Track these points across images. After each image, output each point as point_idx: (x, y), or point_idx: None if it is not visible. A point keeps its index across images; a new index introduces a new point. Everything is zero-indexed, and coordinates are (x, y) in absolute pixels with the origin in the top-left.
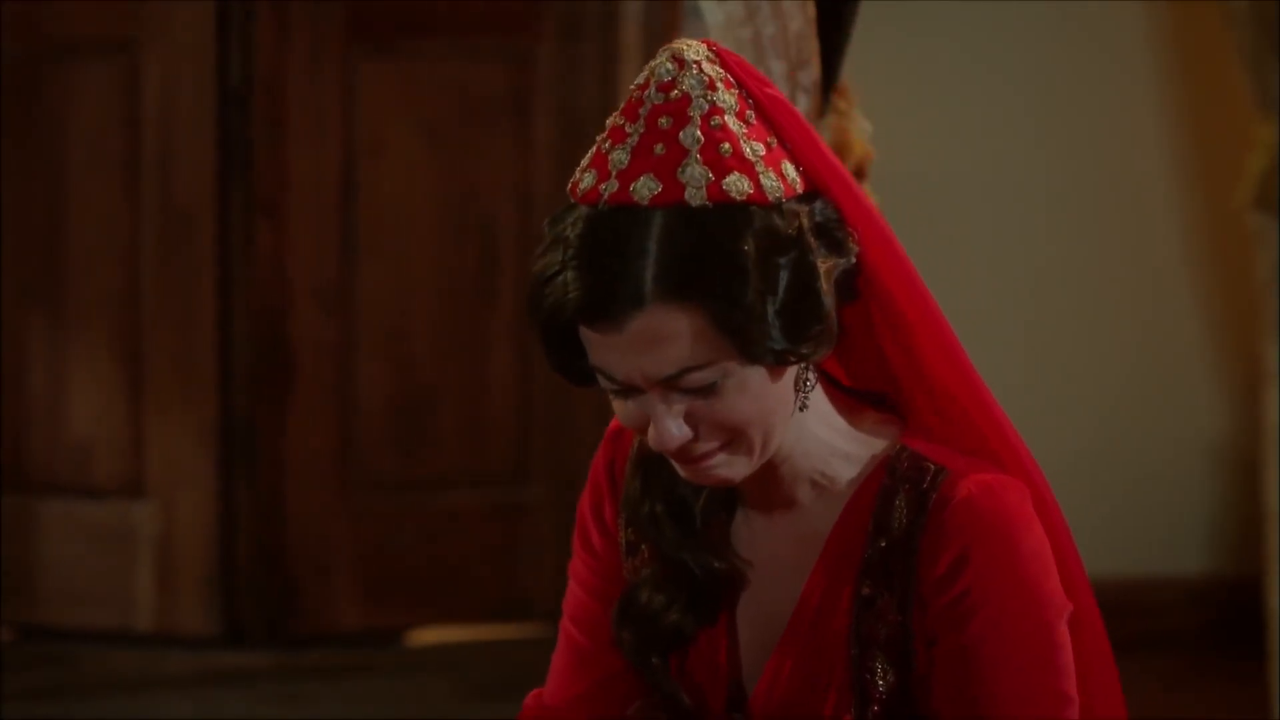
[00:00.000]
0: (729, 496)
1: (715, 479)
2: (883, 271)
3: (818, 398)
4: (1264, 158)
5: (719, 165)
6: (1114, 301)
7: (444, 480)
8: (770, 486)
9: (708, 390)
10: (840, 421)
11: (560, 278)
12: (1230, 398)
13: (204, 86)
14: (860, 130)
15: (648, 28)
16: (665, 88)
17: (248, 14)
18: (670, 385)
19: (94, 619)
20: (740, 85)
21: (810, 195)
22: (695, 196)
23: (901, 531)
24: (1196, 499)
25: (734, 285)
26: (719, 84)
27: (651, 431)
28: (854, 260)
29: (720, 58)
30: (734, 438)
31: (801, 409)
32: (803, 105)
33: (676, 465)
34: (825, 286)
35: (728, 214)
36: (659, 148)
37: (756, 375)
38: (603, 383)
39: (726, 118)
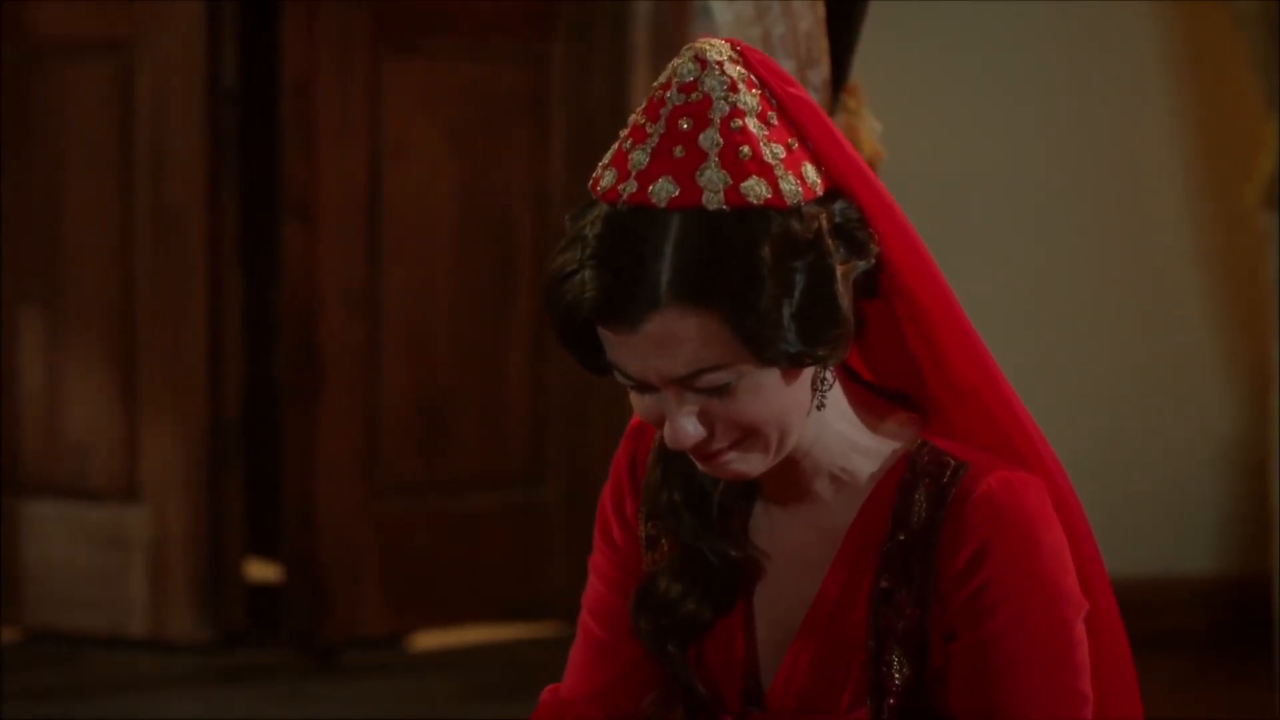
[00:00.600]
0: (748, 488)
1: (731, 474)
2: (905, 270)
3: (838, 395)
4: (1273, 158)
5: (738, 169)
6: (1123, 302)
7: (464, 482)
8: (790, 481)
9: (722, 391)
10: (861, 418)
11: (578, 276)
12: (1239, 398)
13: (195, 87)
14: (870, 129)
15: (657, 28)
16: (686, 89)
17: (276, 12)
18: (685, 385)
19: (88, 622)
20: (763, 85)
21: (831, 195)
22: (713, 201)
23: (921, 525)
24: (1205, 499)
25: (749, 290)
26: (740, 85)
27: (667, 429)
28: (874, 260)
29: (744, 57)
30: (749, 436)
31: (819, 408)
32: None
33: (694, 459)
34: (843, 289)
35: (745, 219)
36: (678, 150)
37: (771, 377)
38: (619, 378)
39: (747, 120)
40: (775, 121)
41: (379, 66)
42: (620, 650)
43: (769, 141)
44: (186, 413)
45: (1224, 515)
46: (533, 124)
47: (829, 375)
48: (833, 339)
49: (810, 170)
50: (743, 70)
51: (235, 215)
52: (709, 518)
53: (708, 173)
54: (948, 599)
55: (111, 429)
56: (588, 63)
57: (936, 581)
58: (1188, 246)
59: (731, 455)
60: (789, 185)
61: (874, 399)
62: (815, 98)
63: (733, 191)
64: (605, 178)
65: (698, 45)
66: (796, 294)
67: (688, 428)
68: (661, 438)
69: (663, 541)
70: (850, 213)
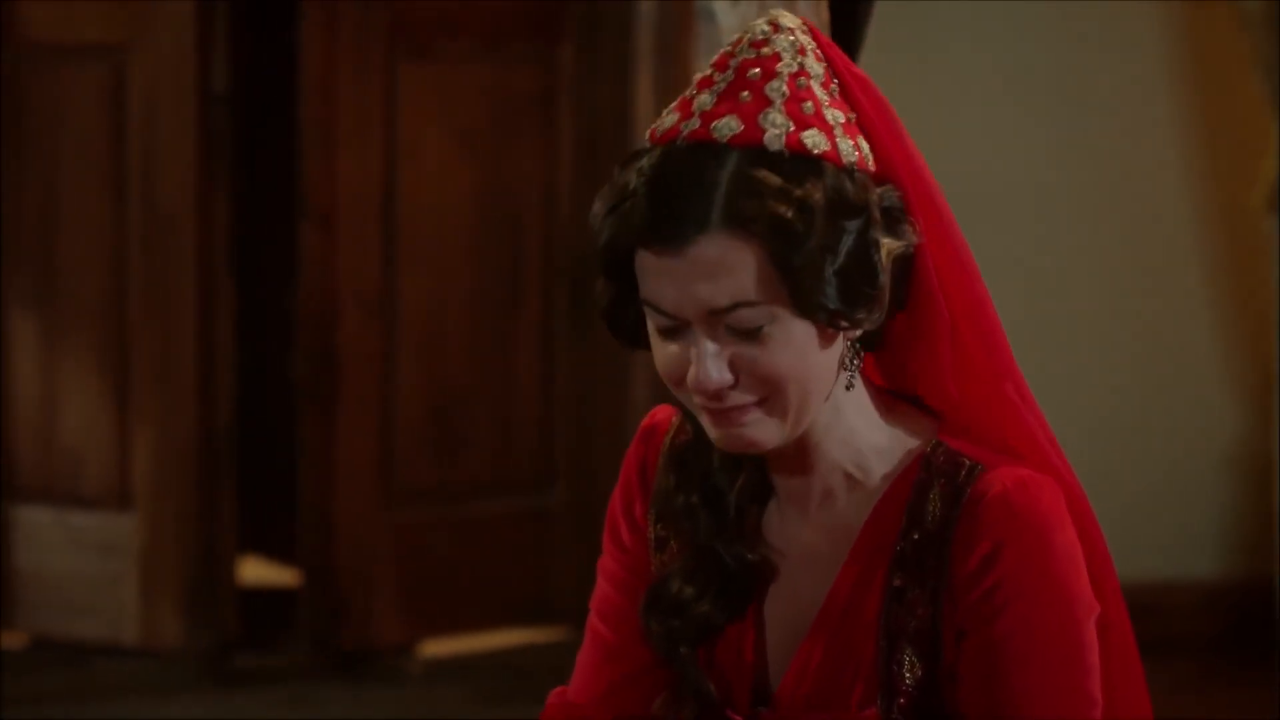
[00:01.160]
0: (762, 488)
1: (744, 441)
2: (942, 267)
3: (858, 390)
4: (1277, 162)
5: (800, 119)
6: (1127, 305)
7: (475, 487)
8: (803, 473)
9: (754, 335)
10: (877, 416)
11: (628, 203)
12: (1243, 401)
13: (187, 91)
14: None
15: (660, 31)
16: (758, 44)
17: (275, 14)
18: (719, 319)
19: (83, 629)
20: (828, 61)
21: (879, 179)
22: (774, 141)
23: (935, 524)
24: (1208, 504)
25: (798, 229)
26: (809, 52)
27: (691, 372)
28: (911, 248)
29: (813, 32)
30: (770, 395)
31: (848, 388)
32: None
33: (708, 424)
34: (884, 262)
35: (803, 164)
36: (745, 94)
37: (803, 332)
38: (652, 320)
39: (812, 82)
40: (836, 95)
41: (395, 69)
42: (628, 652)
43: (830, 106)
44: (178, 419)
45: (1228, 520)
46: (542, 126)
47: (857, 359)
48: (869, 306)
49: (864, 144)
50: (811, 41)
51: (228, 221)
52: (725, 519)
53: (772, 115)
54: (960, 599)
55: (104, 435)
56: (594, 65)
57: (949, 581)
58: (1192, 251)
59: (748, 418)
60: (847, 146)
61: (891, 400)
62: None
63: (794, 137)
64: (666, 121)
65: (773, 11)
66: (841, 252)
67: (713, 370)
68: (673, 441)
69: (672, 543)
70: (894, 198)
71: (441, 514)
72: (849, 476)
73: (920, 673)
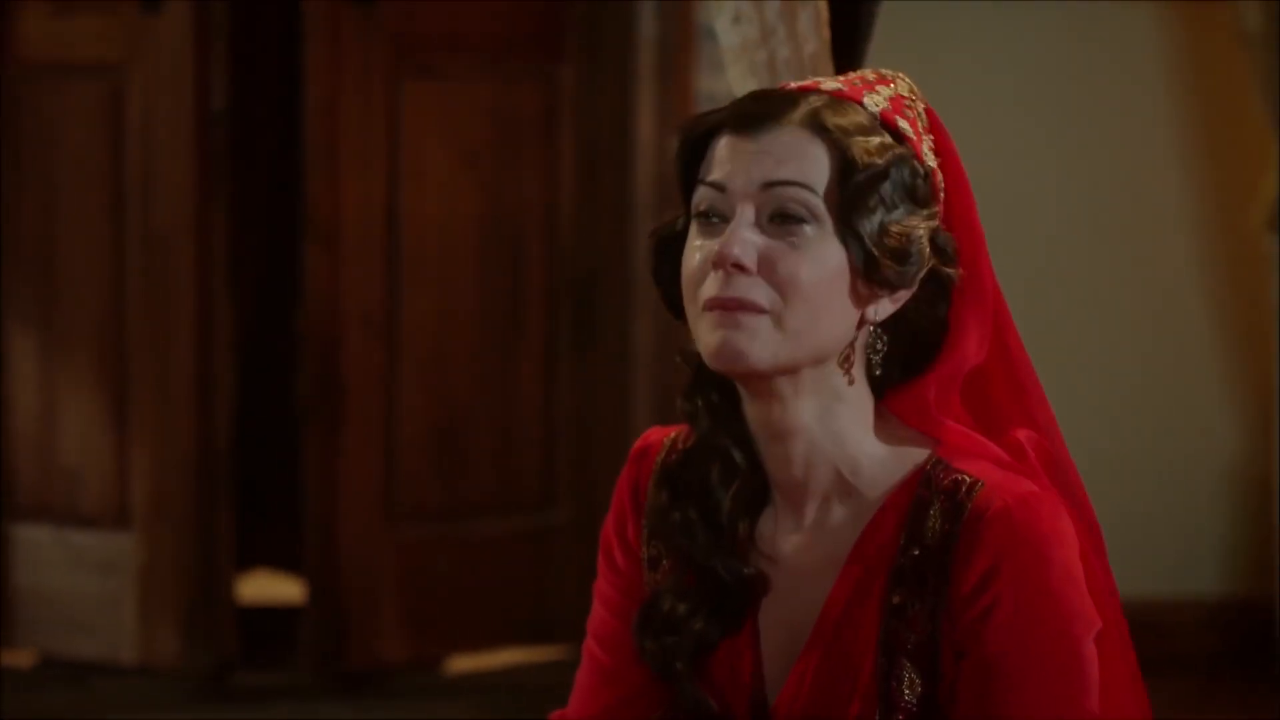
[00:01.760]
0: (758, 497)
1: (737, 349)
2: (973, 326)
3: (860, 398)
4: (1277, 180)
5: (899, 109)
6: (1128, 322)
7: (478, 507)
8: (797, 477)
9: (794, 230)
10: (876, 427)
11: (723, 108)
12: (1244, 420)
13: (184, 110)
14: None
15: (661, 50)
16: (880, 73)
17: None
18: (769, 195)
19: (83, 648)
20: (932, 124)
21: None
22: (873, 104)
23: (935, 541)
24: (1209, 521)
25: (868, 155)
26: (920, 106)
27: (719, 245)
28: (951, 281)
29: (928, 106)
30: (780, 307)
31: (850, 383)
32: None
33: (707, 330)
34: (920, 257)
35: (890, 133)
36: (858, 81)
37: (835, 261)
38: (700, 202)
39: (918, 108)
40: (931, 141)
41: (399, 87)
42: (624, 675)
43: (925, 133)
44: (175, 438)
45: (1229, 537)
46: (543, 144)
47: (876, 353)
48: (899, 273)
49: (941, 182)
50: (923, 107)
51: (226, 240)
52: (721, 534)
53: (876, 96)
54: (958, 618)
55: (103, 454)
56: (595, 83)
57: (949, 598)
58: (1193, 268)
59: (749, 321)
60: (929, 158)
61: (892, 418)
62: None
63: (890, 114)
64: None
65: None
66: (894, 215)
67: (740, 243)
68: (664, 460)
69: (664, 562)
70: (950, 242)
71: (444, 533)
72: (843, 484)
73: (920, 690)
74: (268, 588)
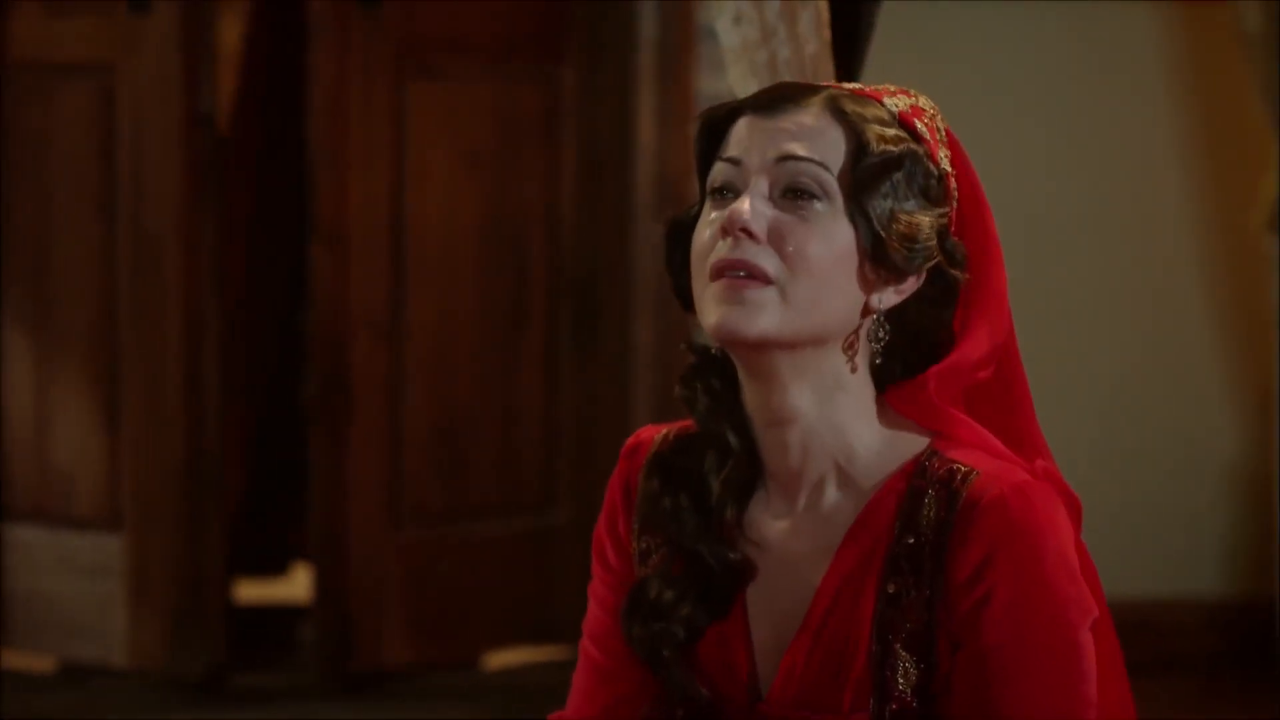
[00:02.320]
0: (749, 481)
1: (741, 319)
2: (977, 332)
3: (861, 387)
4: (1277, 181)
5: (917, 113)
6: (1128, 323)
7: (481, 509)
8: (795, 456)
9: (805, 205)
10: (874, 416)
11: (745, 97)
12: (1244, 421)
13: (172, 112)
14: None
15: (662, 50)
16: (903, 89)
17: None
18: (783, 169)
19: (75, 650)
20: (951, 144)
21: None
22: (893, 104)
23: (931, 529)
24: (1210, 521)
25: (882, 142)
26: (940, 122)
27: (730, 210)
28: (956, 283)
29: (949, 129)
30: (785, 278)
31: (852, 371)
32: None
33: (712, 301)
34: (926, 249)
35: (907, 130)
36: (879, 87)
37: (844, 240)
38: (715, 178)
39: (937, 122)
40: (948, 155)
41: (403, 88)
42: (621, 674)
43: (942, 145)
44: (164, 441)
45: (1229, 538)
46: (544, 145)
47: (878, 340)
48: (905, 259)
49: (955, 191)
50: (943, 125)
51: (215, 243)
52: (709, 520)
53: (896, 100)
54: (954, 606)
55: (95, 456)
56: (596, 84)
57: (945, 587)
58: (1193, 270)
59: (754, 293)
60: (944, 161)
61: (890, 409)
62: None
63: (908, 116)
64: None
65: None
66: (904, 205)
67: (754, 206)
68: (656, 451)
69: (654, 555)
70: (957, 248)
71: (447, 534)
72: (839, 470)
73: (915, 678)
74: (265, 589)
